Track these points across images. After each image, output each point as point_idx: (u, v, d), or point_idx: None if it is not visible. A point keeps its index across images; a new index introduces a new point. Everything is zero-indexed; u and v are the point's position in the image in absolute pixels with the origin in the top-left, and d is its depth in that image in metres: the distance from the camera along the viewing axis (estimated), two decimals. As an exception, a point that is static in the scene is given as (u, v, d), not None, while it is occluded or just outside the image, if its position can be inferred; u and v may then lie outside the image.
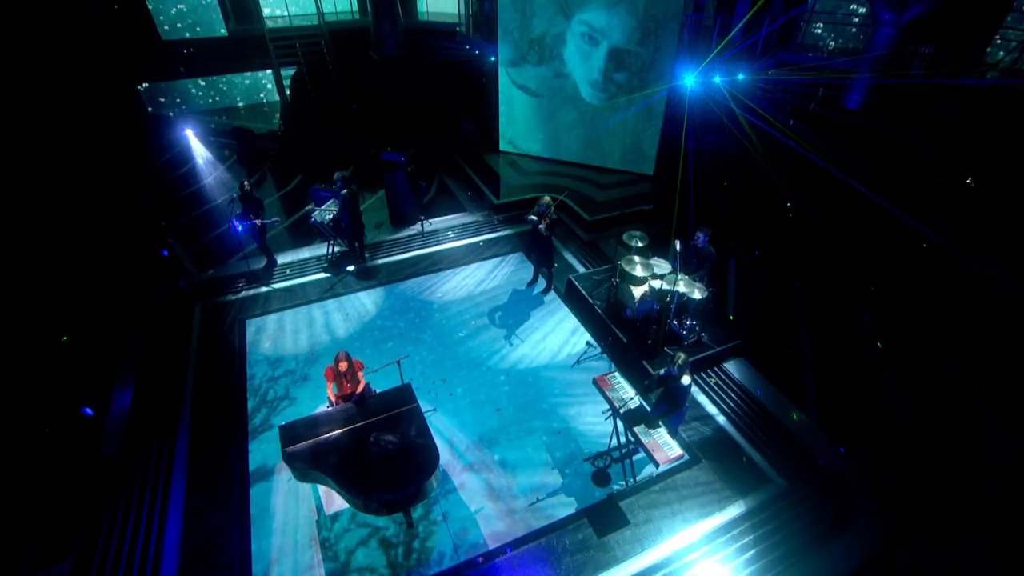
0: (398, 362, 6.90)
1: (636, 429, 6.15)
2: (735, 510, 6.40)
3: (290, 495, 6.59)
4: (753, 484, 6.67)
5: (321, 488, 6.60)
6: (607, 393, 6.56)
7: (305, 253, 10.87)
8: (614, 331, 8.47)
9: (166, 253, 10.33)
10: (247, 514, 6.39)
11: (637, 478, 6.73)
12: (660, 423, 6.23)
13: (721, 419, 7.43)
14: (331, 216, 10.18)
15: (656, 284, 8.05)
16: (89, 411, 7.57)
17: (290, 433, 6.07)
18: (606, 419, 6.86)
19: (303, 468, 5.74)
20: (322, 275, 10.31)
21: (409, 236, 11.41)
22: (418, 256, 10.77)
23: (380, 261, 10.64)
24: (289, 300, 9.63)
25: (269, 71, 16.70)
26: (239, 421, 7.47)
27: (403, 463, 5.72)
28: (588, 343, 8.62)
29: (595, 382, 6.73)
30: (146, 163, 10.44)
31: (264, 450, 7.09)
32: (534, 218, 8.52)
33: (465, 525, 6.24)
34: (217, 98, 13.48)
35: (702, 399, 7.71)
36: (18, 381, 7.23)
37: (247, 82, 16.62)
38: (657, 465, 5.84)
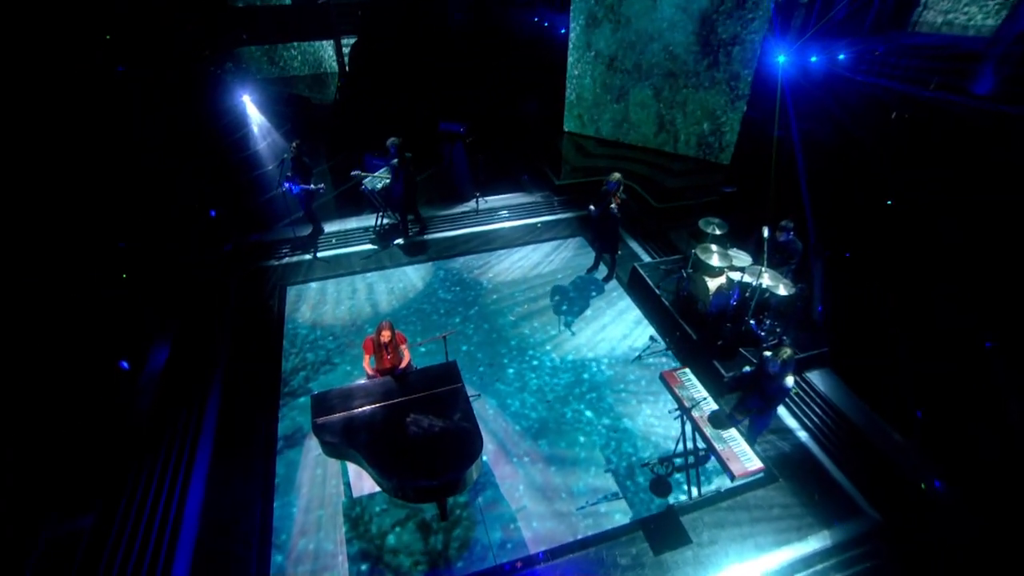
0: (444, 337, 6.45)
1: (708, 434, 5.46)
2: (818, 542, 5.62)
3: (318, 471, 6.24)
4: (840, 513, 5.86)
5: (351, 468, 6.22)
6: (676, 390, 5.89)
7: (352, 223, 10.64)
8: (682, 326, 7.76)
9: (214, 214, 10.26)
10: (271, 486, 6.08)
11: (703, 491, 6.03)
12: (736, 429, 5.52)
13: (802, 435, 6.62)
14: (382, 184, 9.87)
15: (736, 276, 7.29)
16: (126, 364, 7.47)
17: (322, 403, 5.71)
18: (675, 418, 6.18)
19: (333, 442, 5.35)
20: (368, 246, 10.04)
21: (463, 213, 11.01)
22: (470, 234, 10.36)
23: (430, 236, 10.30)
24: (332, 270, 9.41)
25: (330, 40, 16.68)
26: (271, 387, 7.22)
27: (443, 448, 5.24)
28: (651, 337, 7.95)
29: (663, 377, 6.08)
30: (201, 125, 10.41)
31: (294, 421, 6.80)
32: (611, 205, 7.89)
33: (505, 523, 5.72)
34: (281, 65, 13.45)
35: (780, 410, 6.92)
36: (62, 326, 7.18)
37: (310, 51, 16.57)
38: (732, 477, 5.14)
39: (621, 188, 8.05)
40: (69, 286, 7.21)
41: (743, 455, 5.29)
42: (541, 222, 10.65)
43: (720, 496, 6.02)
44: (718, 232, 7.86)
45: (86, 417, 6.66)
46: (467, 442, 5.29)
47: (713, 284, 7.61)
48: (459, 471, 5.06)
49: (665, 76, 11.46)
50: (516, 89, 13.41)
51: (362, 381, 6.09)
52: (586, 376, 7.40)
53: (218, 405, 7.05)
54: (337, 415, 5.59)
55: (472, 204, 11.12)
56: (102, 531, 5.69)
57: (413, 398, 5.75)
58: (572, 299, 8.74)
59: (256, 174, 12.09)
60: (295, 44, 17.65)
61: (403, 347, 6.41)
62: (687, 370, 6.18)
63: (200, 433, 6.71)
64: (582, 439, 6.60)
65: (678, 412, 5.89)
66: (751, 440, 5.53)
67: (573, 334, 8.06)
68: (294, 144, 9.32)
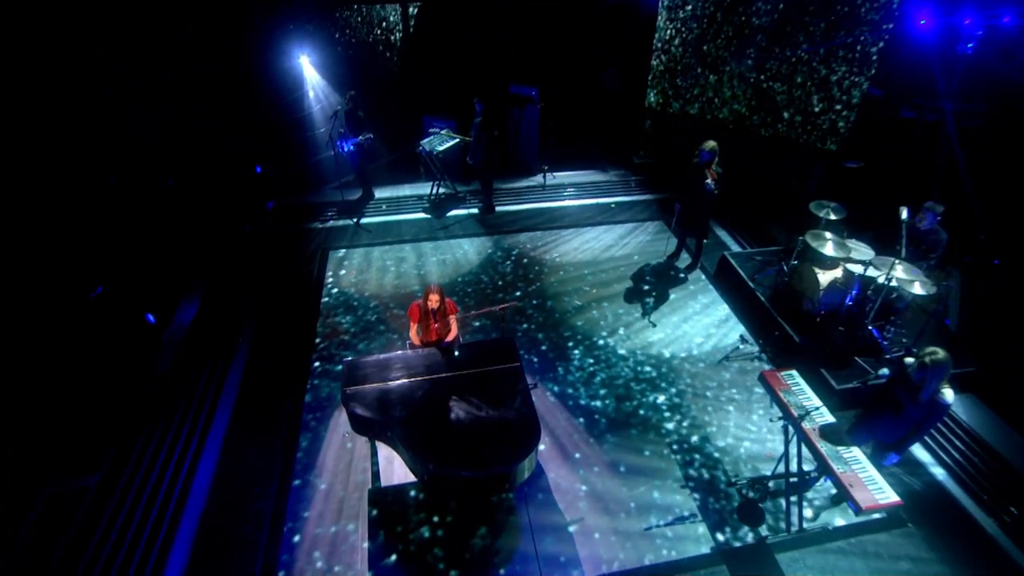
0: (502, 310, 5.75)
1: (824, 452, 4.53)
2: (960, 608, 4.58)
3: (345, 451, 5.66)
4: None
5: (382, 452, 5.61)
6: (780, 395, 4.98)
7: (406, 190, 10.21)
8: (782, 327, 6.79)
9: (260, 169, 10.00)
10: (292, 461, 5.56)
11: (805, 524, 5.08)
12: (861, 450, 4.56)
13: (938, 471, 5.55)
14: (443, 147, 9.34)
15: (856, 269, 6.29)
16: (151, 318, 7.19)
17: (355, 371, 5.13)
18: (781, 426, 5.27)
19: (364, 416, 4.75)
20: (421, 215, 9.53)
21: (528, 187, 10.37)
22: (535, 209, 9.73)
23: (499, 210, 9.70)
24: (380, 236, 8.95)
25: (397, 4, 16.36)
26: (302, 354, 6.75)
27: (493, 435, 4.55)
28: (741, 337, 7.02)
29: (764, 379, 5.18)
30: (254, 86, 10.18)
31: (324, 392, 6.28)
32: (707, 180, 7.03)
33: (556, 535, 4.96)
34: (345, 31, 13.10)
35: (906, 437, 5.85)
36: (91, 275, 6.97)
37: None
38: (857, 510, 4.19)
39: (717, 160, 7.16)
40: (102, 230, 6.98)
41: (871, 483, 4.33)
42: (615, 202, 9.90)
43: (829, 534, 5.05)
44: (833, 217, 6.85)
45: (105, 371, 6.36)
46: (522, 431, 4.57)
47: (825, 278, 6.61)
48: (510, 463, 4.34)
49: (770, 41, 10.38)
50: (596, 58, 12.61)
51: (403, 351, 5.47)
52: (663, 374, 6.56)
53: (243, 369, 6.64)
54: (371, 385, 4.99)
55: (538, 178, 10.45)
56: (105, 492, 5.30)
57: (461, 374, 5.08)
58: (648, 287, 7.93)
59: (308, 135, 11.81)
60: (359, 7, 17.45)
61: (452, 318, 5.77)
62: (794, 372, 5.25)
63: (220, 398, 6.30)
64: (655, 445, 5.76)
65: (782, 420, 4.98)
66: (880, 466, 4.56)
67: (652, 325, 7.24)
68: (349, 95, 8.91)
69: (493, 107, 9.05)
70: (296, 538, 4.94)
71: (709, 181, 7.03)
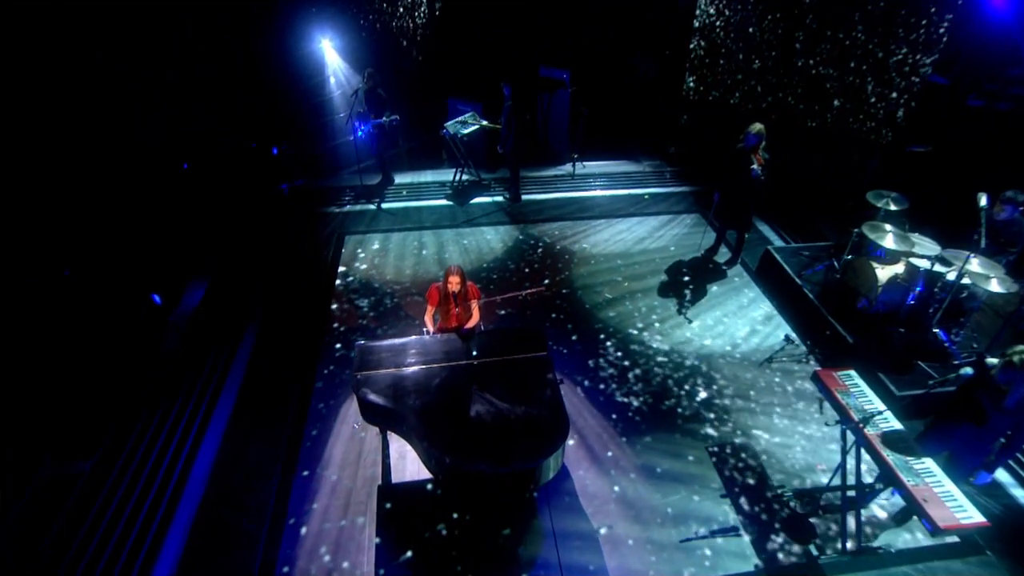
0: (530, 296, 5.40)
1: (891, 462, 4.08)
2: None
3: (354, 444, 5.36)
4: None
5: (394, 446, 5.29)
6: (838, 397, 4.54)
7: (428, 176, 9.96)
8: (834, 326, 6.34)
9: (276, 151, 9.82)
10: (297, 452, 5.27)
11: (864, 544, 4.62)
12: (934, 461, 4.11)
13: (1019, 493, 5.04)
14: (467, 131, 9.06)
15: (922, 263, 5.82)
16: (157, 299, 7.00)
17: (368, 356, 4.82)
18: (839, 431, 4.83)
19: (375, 403, 4.43)
20: (443, 202, 9.25)
21: (556, 176, 10.03)
22: (563, 199, 9.43)
23: (526, 200, 9.41)
24: (399, 222, 8.72)
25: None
26: (313, 341, 6.48)
27: (516, 428, 4.20)
28: (787, 338, 6.58)
29: (818, 378, 4.75)
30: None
31: (334, 380, 6.00)
32: (753, 166, 6.62)
33: (582, 544, 4.58)
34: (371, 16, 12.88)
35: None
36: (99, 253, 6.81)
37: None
38: (933, 529, 3.74)
39: (764, 144, 6.73)
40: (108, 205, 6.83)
41: (950, 499, 3.87)
42: (649, 193, 9.51)
43: (891, 557, 4.58)
44: (893, 208, 6.37)
45: (107, 353, 6.16)
46: (548, 425, 4.21)
47: (885, 273, 6.14)
48: (535, 459, 3.99)
49: (821, 24, 9.89)
50: (630, 44, 12.23)
51: (419, 336, 5.15)
52: (702, 372, 6.15)
53: (249, 354, 6.40)
54: (384, 371, 4.67)
55: (568, 167, 10.11)
56: (100, 476, 5.06)
57: (484, 362, 4.75)
58: (685, 281, 7.53)
59: (328, 120, 11.62)
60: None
61: (474, 304, 5.45)
62: (852, 372, 4.81)
63: (224, 383, 6.05)
64: (693, 449, 5.35)
65: (839, 424, 4.54)
66: (959, 480, 4.10)
67: (688, 321, 6.83)
68: (368, 72, 8.66)
69: (522, 91, 8.74)
70: (302, 531, 4.64)
71: (756, 167, 6.61)
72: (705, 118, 10.65)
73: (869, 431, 4.30)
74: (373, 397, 4.46)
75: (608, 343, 6.50)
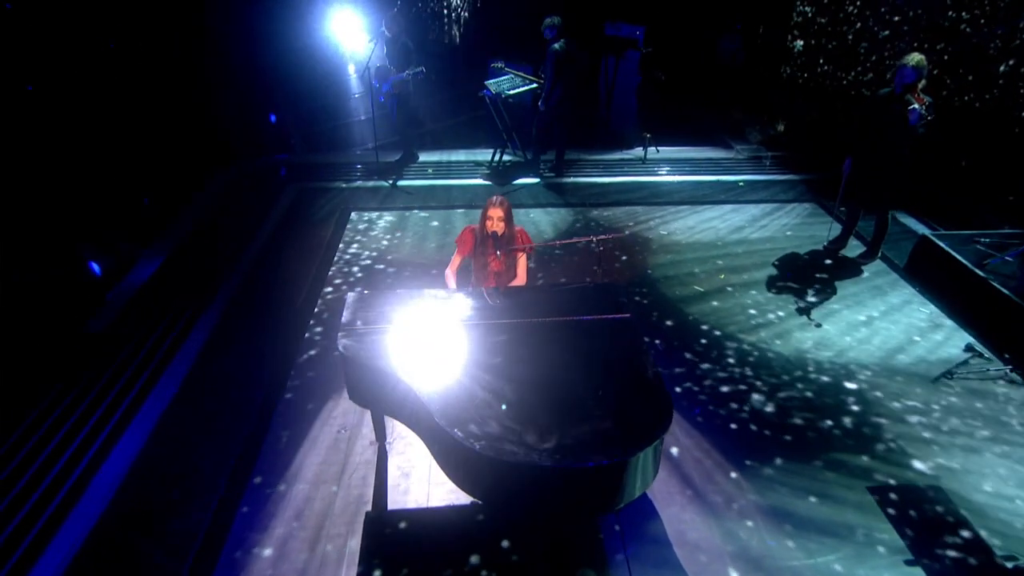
0: (599, 242, 4.25)
1: None
2: None
3: (335, 455, 4.20)
4: None
5: (394, 459, 4.10)
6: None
7: (460, 155, 9.25)
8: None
9: (274, 119, 9.18)
10: (252, 463, 4.11)
11: None
12: None
13: None
14: (514, 91, 8.23)
15: None
16: (96, 267, 6.13)
17: (365, 306, 3.76)
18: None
19: (371, 370, 3.29)
20: (479, 181, 8.39)
21: (621, 159, 9.12)
22: (632, 183, 8.60)
23: (570, 180, 8.56)
24: (422, 200, 7.95)
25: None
26: (294, 325, 5.50)
27: (589, 406, 2.98)
28: (970, 347, 5.25)
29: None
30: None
31: (317, 374, 4.95)
32: (913, 106, 5.49)
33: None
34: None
35: None
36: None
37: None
38: None
39: (924, 81, 5.63)
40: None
41: None
42: (744, 180, 8.58)
43: None
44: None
45: (16, 323, 5.23)
46: (638, 405, 2.99)
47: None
48: (619, 451, 2.73)
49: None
50: (707, 23, 11.46)
51: (437, 290, 4.05)
52: (846, 384, 4.86)
53: (205, 340, 5.39)
54: (387, 326, 3.54)
55: (636, 152, 9.18)
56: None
57: (538, 322, 3.57)
58: (804, 276, 6.43)
59: (341, 98, 11.03)
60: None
61: (521, 260, 4.37)
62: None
63: (164, 372, 5.02)
64: (844, 488, 4.00)
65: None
66: None
67: (815, 323, 5.61)
68: (391, 15, 7.94)
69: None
70: (246, 570, 3.41)
71: (915, 106, 5.45)
72: (813, 97, 9.67)
73: None
74: (365, 356, 3.30)
75: (704, 341, 5.31)
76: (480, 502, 3.56)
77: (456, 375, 3.17)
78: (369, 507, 3.82)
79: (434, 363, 3.27)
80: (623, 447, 2.74)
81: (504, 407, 2.95)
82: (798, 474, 4.11)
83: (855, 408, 4.66)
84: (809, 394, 4.79)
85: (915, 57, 5.57)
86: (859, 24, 9.46)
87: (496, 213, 4.14)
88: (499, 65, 8.62)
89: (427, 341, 3.45)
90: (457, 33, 12.08)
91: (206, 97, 8.24)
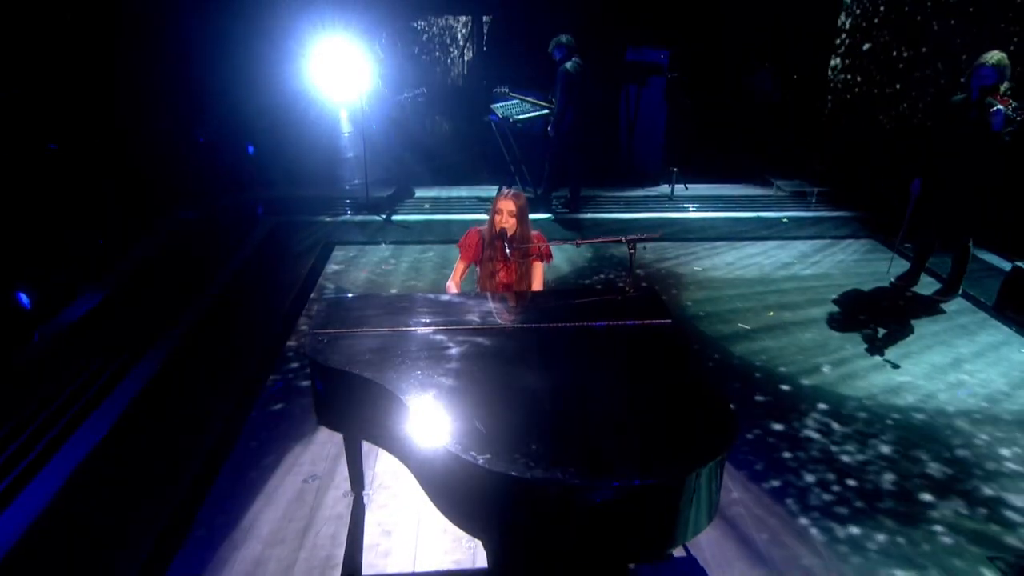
0: (631, 243, 3.90)
1: None
2: None
3: (298, 509, 3.72)
4: None
5: (371, 515, 3.62)
6: None
7: (461, 191, 9.27)
8: None
9: (252, 150, 9.12)
10: (191, 517, 3.61)
11: None
12: None
13: None
14: (523, 116, 8.18)
15: None
16: (25, 299, 5.89)
17: (342, 310, 3.43)
18: None
19: (348, 379, 2.88)
20: (482, 216, 8.16)
21: (646, 196, 8.98)
22: (658, 219, 8.49)
23: (587, 216, 8.49)
24: (418, 235, 7.90)
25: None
26: (259, 365, 5.18)
27: (634, 419, 2.55)
28: (1087, 393, 4.77)
29: None
30: None
31: (282, 416, 4.50)
32: (996, 108, 5.24)
33: None
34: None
35: None
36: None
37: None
38: None
39: (1007, 83, 5.39)
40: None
41: None
42: (788, 217, 8.45)
43: None
44: None
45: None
46: (687, 416, 2.54)
47: None
48: (664, 468, 2.26)
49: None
50: (736, 56, 11.58)
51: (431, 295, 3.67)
52: (940, 434, 4.39)
53: (148, 380, 5.03)
54: (370, 330, 3.14)
55: (663, 188, 9.06)
56: None
57: (556, 327, 3.17)
58: (873, 315, 6.17)
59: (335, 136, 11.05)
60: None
61: (537, 267, 4.06)
62: None
63: (88, 417, 4.61)
64: (962, 560, 3.45)
65: None
66: None
67: (891, 364, 5.21)
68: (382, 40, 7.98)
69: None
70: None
71: (999, 107, 5.18)
72: (859, 127, 9.59)
73: None
74: (337, 361, 2.88)
75: (756, 382, 4.91)
76: (485, 567, 3.04)
77: (458, 378, 2.73)
78: (338, 572, 3.29)
79: (429, 363, 2.84)
80: (678, 464, 2.26)
81: (526, 409, 2.50)
82: (891, 540, 3.56)
83: (954, 461, 4.15)
84: (893, 443, 4.30)
85: (994, 55, 5.35)
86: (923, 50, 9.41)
87: (507, 206, 3.79)
88: (503, 90, 8.60)
89: (417, 343, 3.03)
90: (462, 69, 12.23)
91: (161, 135, 8.24)
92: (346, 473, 3.76)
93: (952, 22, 8.70)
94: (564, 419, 2.52)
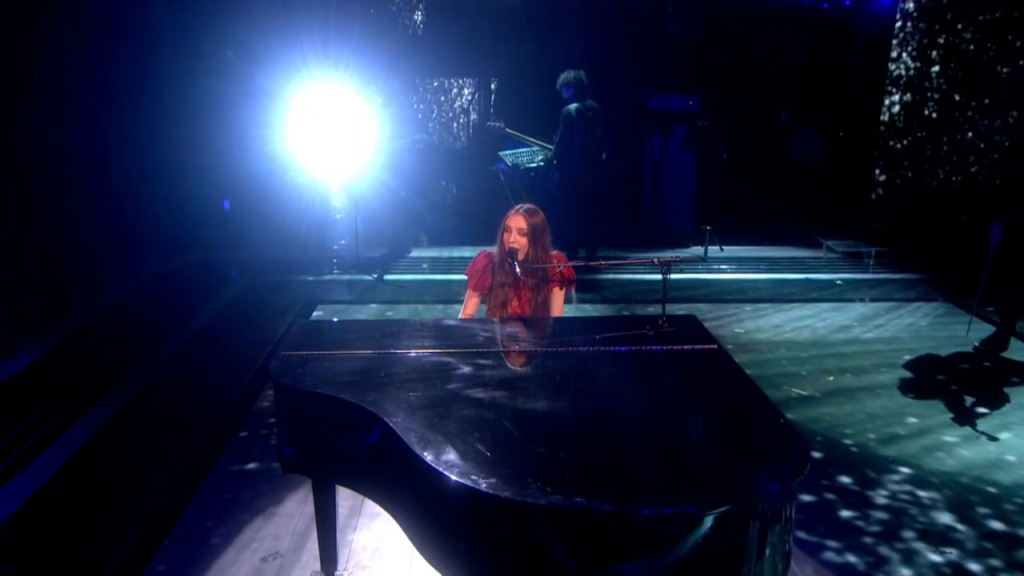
0: (665, 264, 3.70)
1: None
2: None
3: None
4: None
5: (350, 560, 3.25)
6: None
7: (465, 251, 9.17)
8: None
9: (227, 205, 9.15)
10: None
11: None
12: None
13: None
14: (534, 164, 8.21)
15: None
16: None
17: (318, 333, 3.33)
18: None
19: (326, 403, 2.60)
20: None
21: (675, 256, 8.84)
22: (691, 280, 8.42)
23: (608, 276, 8.47)
24: (414, 295, 7.88)
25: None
26: (213, 429, 4.94)
27: (673, 444, 2.26)
28: None
29: None
30: None
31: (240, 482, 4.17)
32: None
33: None
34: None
35: None
36: None
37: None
38: None
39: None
40: None
41: None
42: (842, 279, 8.38)
43: None
44: None
45: None
46: (755, 437, 2.27)
47: None
48: (739, 490, 1.93)
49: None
50: (779, 114, 11.75)
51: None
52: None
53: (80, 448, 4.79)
54: (349, 351, 2.89)
55: (695, 249, 9.01)
56: None
57: (593, 352, 2.95)
58: (958, 382, 6.00)
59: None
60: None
61: (557, 293, 3.88)
62: None
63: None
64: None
65: None
66: None
67: (987, 437, 4.96)
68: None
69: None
70: None
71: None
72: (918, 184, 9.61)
73: None
74: (314, 386, 2.60)
75: (818, 453, 4.62)
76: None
77: (469, 408, 2.45)
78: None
79: (420, 384, 2.56)
80: (742, 484, 1.94)
81: (551, 432, 2.19)
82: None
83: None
84: (1002, 527, 3.94)
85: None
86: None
87: (516, 223, 3.57)
88: (498, 125, 8.66)
89: (406, 366, 2.76)
90: (467, 129, 12.45)
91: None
92: (315, 550, 3.39)
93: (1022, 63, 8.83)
94: (604, 441, 2.24)
